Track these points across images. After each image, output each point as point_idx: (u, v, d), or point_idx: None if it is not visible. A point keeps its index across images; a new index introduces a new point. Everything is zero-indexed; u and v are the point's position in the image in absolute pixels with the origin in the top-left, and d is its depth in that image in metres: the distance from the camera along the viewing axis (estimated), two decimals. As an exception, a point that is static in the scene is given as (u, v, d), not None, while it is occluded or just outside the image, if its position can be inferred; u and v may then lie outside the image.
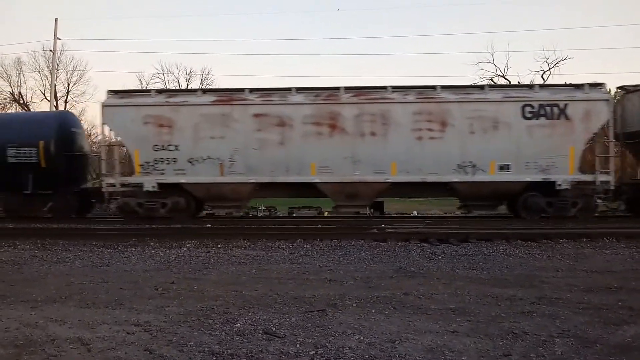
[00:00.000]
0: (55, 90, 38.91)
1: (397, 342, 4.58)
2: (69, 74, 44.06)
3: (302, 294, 6.49)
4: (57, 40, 34.74)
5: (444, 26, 75.30)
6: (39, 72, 43.21)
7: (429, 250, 10.11)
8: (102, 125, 16.28)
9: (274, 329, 5.02)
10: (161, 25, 74.80)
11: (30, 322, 5.27)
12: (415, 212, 21.69)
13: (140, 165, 15.33)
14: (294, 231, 12.88)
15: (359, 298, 6.26)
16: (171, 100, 15.46)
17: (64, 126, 17.14)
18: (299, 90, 15.33)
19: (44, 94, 43.08)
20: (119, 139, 15.96)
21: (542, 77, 36.98)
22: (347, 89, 15.43)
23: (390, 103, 14.94)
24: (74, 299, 6.37)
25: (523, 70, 46.95)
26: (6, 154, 15.99)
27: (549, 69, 36.90)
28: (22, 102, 42.96)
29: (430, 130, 14.87)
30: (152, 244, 11.29)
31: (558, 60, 36.91)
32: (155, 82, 48.34)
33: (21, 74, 43.94)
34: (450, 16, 74.47)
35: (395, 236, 11.75)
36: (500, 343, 4.55)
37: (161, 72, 49.27)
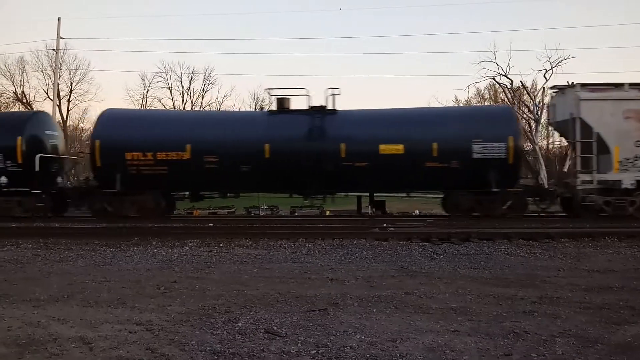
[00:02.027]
0: (58, 89, 39.01)
1: (398, 342, 4.59)
2: (71, 73, 44.18)
3: (303, 293, 6.51)
4: (60, 40, 34.81)
5: (445, 25, 75.32)
6: (42, 71, 43.32)
7: (431, 250, 10.11)
8: (577, 119, 15.23)
9: (275, 328, 5.04)
10: (163, 24, 74.91)
11: (32, 321, 5.29)
12: (417, 212, 21.68)
13: (619, 162, 14.81)
14: (296, 230, 12.89)
15: (361, 297, 6.27)
16: None
17: None
18: None
19: (47, 93, 43.18)
20: (598, 133, 15.08)
21: (544, 76, 36.78)
22: None
23: None
24: (76, 297, 6.39)
25: (525, 70, 46.75)
26: (471, 149, 14.73)
27: (552, 68, 36.65)
28: (25, 101, 43.06)
29: None
30: (154, 243, 11.29)
31: (560, 59, 36.59)
32: (158, 82, 48.51)
33: (24, 73, 44.08)
34: (452, 15, 74.44)
35: (397, 235, 11.75)
36: (502, 342, 4.56)
37: (164, 71, 49.39)
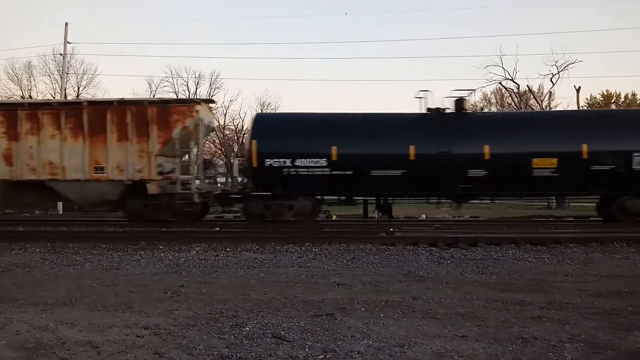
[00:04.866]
0: (65, 94, 39.20)
1: (406, 347, 4.57)
2: (79, 77, 44.39)
3: (310, 298, 6.50)
4: (67, 45, 35.08)
5: (452, 29, 75.27)
6: (49, 75, 43.56)
7: (438, 255, 10.08)
8: None
9: (282, 332, 5.03)
10: (170, 29, 75.27)
11: (40, 325, 5.30)
12: (423, 216, 21.58)
13: None
14: (302, 235, 12.88)
15: (368, 302, 6.25)
16: None
17: None
18: None
19: (54, 98, 43.42)
20: None
21: (551, 80, 36.67)
22: None
23: None
24: (84, 302, 6.41)
25: (532, 74, 46.55)
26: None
27: (558, 73, 36.56)
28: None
29: None
30: (161, 247, 11.33)
31: (567, 63, 36.51)
32: (164, 86, 48.67)
33: (32, 78, 44.35)
34: (459, 19, 74.40)
35: (404, 240, 11.74)
36: (510, 348, 4.54)
37: (170, 76, 49.52)
